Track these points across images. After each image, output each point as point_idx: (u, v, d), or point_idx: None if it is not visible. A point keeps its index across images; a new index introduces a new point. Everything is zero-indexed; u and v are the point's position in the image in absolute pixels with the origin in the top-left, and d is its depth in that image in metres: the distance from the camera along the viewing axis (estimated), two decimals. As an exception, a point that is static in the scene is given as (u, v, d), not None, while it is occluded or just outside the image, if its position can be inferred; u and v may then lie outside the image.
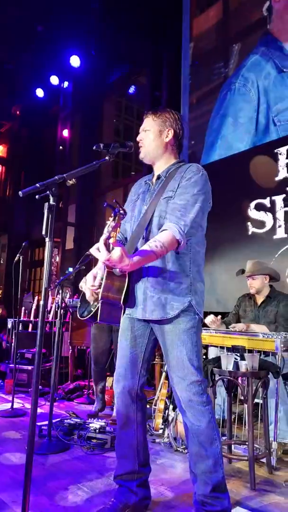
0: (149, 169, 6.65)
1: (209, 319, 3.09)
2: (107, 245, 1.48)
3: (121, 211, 1.41)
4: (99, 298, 1.70)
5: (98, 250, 1.51)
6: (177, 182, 1.72)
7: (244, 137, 4.73)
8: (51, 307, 5.25)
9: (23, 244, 3.63)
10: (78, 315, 3.60)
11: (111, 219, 1.45)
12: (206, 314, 4.84)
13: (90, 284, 1.83)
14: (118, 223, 1.42)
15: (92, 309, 3.54)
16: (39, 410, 3.53)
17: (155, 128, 1.80)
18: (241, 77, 4.81)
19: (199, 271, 1.76)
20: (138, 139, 1.84)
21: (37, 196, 1.46)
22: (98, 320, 1.78)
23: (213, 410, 1.68)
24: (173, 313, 1.66)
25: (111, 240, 1.44)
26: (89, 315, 3.53)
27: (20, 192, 1.42)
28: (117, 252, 1.47)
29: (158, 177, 1.82)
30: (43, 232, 1.43)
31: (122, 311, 1.76)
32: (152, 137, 1.80)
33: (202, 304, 1.76)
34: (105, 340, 3.40)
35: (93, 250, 1.56)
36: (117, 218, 1.42)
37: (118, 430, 1.80)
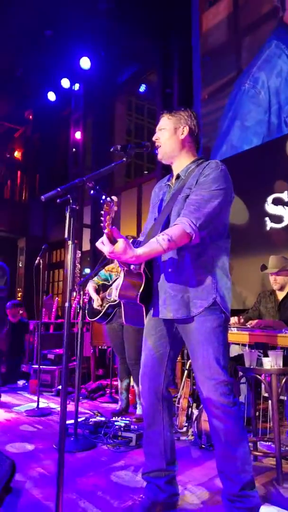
0: (162, 167, 6.70)
1: (232, 321, 3.08)
2: (110, 238, 1.48)
3: (108, 199, 1.39)
4: (117, 297, 1.71)
5: (102, 244, 1.51)
6: (196, 179, 1.70)
7: (253, 139, 4.70)
8: (72, 308, 5.31)
9: (43, 247, 3.69)
10: (87, 317, 3.67)
11: (103, 211, 1.45)
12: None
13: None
14: (107, 211, 1.41)
15: (101, 310, 3.59)
16: (63, 410, 3.59)
17: (170, 126, 1.80)
18: (251, 78, 4.76)
19: (224, 267, 1.73)
20: (154, 138, 1.83)
21: (58, 200, 1.49)
22: (124, 323, 1.79)
23: (240, 410, 1.65)
24: (197, 311, 1.65)
25: (105, 230, 1.44)
26: (99, 316, 3.59)
27: (42, 197, 1.45)
28: (120, 244, 1.47)
29: (178, 177, 1.82)
30: (66, 236, 1.46)
31: (145, 311, 1.73)
32: (168, 135, 1.80)
33: (229, 301, 1.73)
34: (120, 336, 3.44)
35: (98, 244, 1.54)
36: (105, 206, 1.40)
37: (145, 429, 1.81)
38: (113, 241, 1.49)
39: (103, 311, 3.44)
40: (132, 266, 1.63)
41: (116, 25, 6.18)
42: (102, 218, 1.44)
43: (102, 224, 1.45)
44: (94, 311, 3.54)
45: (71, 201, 1.48)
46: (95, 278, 3.64)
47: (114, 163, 1.65)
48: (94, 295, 3.51)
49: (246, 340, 2.71)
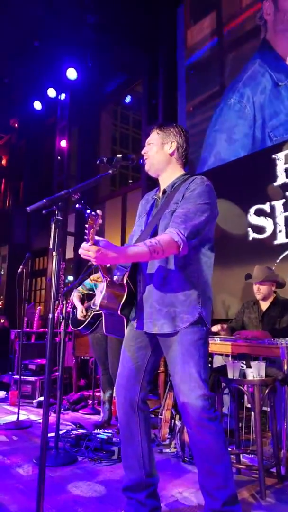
0: (147, 177, 6.72)
1: (215, 328, 3.10)
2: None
3: (93, 213, 1.38)
4: (98, 307, 1.73)
5: (86, 250, 1.47)
6: (182, 194, 1.73)
7: (241, 152, 4.80)
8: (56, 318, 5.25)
9: (26, 255, 3.65)
10: (71, 326, 3.63)
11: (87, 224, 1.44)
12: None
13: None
14: (91, 225, 1.40)
15: (85, 319, 3.55)
16: (44, 422, 3.51)
17: (158, 141, 1.84)
18: (237, 93, 4.87)
19: (207, 281, 1.75)
20: (143, 152, 1.87)
21: (44, 211, 1.48)
22: (105, 333, 1.79)
23: (220, 424, 1.64)
24: (183, 326, 1.65)
25: (89, 243, 1.43)
26: (83, 325, 3.56)
27: (27, 208, 1.44)
28: (104, 242, 1.47)
29: (164, 192, 1.84)
30: (50, 247, 1.45)
31: (125, 322, 1.74)
32: (156, 149, 1.84)
33: (211, 315, 1.75)
34: (104, 346, 3.41)
35: (81, 251, 1.49)
36: (90, 220, 1.39)
37: (122, 441, 1.79)
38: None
39: (87, 320, 3.41)
40: (115, 277, 1.64)
41: (103, 37, 6.24)
42: (86, 231, 1.42)
43: (86, 237, 1.44)
44: (78, 321, 3.50)
45: (56, 212, 1.47)
46: (80, 288, 3.61)
47: (99, 176, 1.66)
48: (78, 305, 3.49)
49: (229, 351, 2.72)
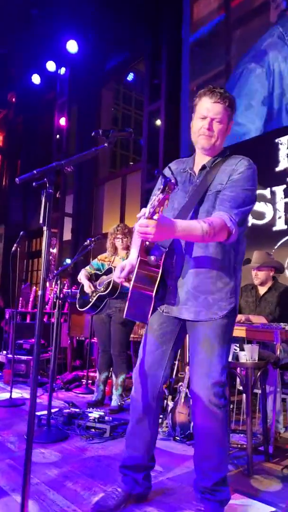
0: (149, 160, 6.59)
1: None
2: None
3: (173, 181, 1.21)
4: (130, 289, 1.56)
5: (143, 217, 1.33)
6: (227, 175, 1.62)
7: (256, 120, 4.60)
8: (49, 298, 5.24)
9: (20, 234, 3.60)
10: (77, 307, 3.60)
11: (158, 191, 1.25)
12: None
13: (117, 275, 1.67)
14: (167, 195, 1.22)
15: (91, 300, 3.53)
16: (38, 400, 3.53)
17: (226, 120, 1.66)
18: (258, 58, 4.64)
19: (241, 270, 1.70)
20: (207, 127, 1.64)
21: (34, 183, 1.43)
22: (124, 316, 1.62)
23: (227, 412, 1.65)
24: (221, 314, 1.60)
25: (155, 217, 1.27)
26: (88, 306, 3.52)
27: (16, 179, 1.38)
28: (163, 218, 1.32)
29: (203, 167, 1.70)
30: (41, 221, 1.40)
31: (152, 306, 1.58)
32: (224, 130, 1.66)
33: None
34: (108, 328, 3.41)
35: (136, 227, 1.36)
36: (166, 189, 1.20)
37: (133, 423, 1.75)
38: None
39: (92, 301, 3.39)
40: (152, 257, 1.52)
41: (106, 9, 6.03)
42: (157, 202, 1.23)
43: (153, 209, 1.26)
44: (83, 302, 3.48)
45: (47, 184, 1.42)
46: (88, 267, 3.58)
47: (94, 148, 1.59)
48: (85, 281, 3.44)
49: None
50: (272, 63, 4.50)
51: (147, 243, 1.53)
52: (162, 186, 1.20)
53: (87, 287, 3.40)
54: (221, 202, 1.57)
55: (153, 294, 1.54)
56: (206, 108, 1.63)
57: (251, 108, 4.66)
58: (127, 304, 1.61)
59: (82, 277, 3.50)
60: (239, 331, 2.62)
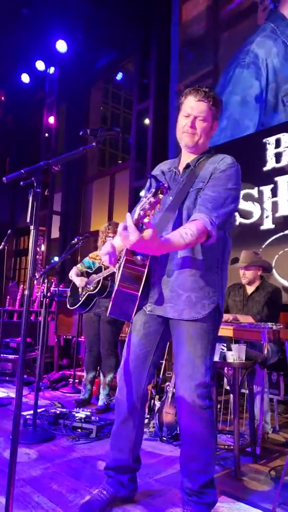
0: (137, 158, 6.58)
1: None
2: (138, 225, 1.29)
3: (165, 185, 1.19)
4: (115, 289, 1.56)
5: (125, 231, 1.30)
6: (209, 172, 1.61)
7: (253, 116, 4.59)
8: (36, 296, 5.19)
9: (8, 233, 3.56)
10: (68, 305, 3.57)
11: (149, 194, 1.22)
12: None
13: (107, 260, 1.65)
14: (159, 199, 1.21)
15: (81, 298, 3.50)
16: (24, 400, 3.50)
17: (210, 119, 1.66)
18: (251, 53, 4.64)
19: (226, 268, 1.69)
20: (190, 124, 1.64)
21: (21, 183, 1.41)
22: (108, 314, 1.64)
23: (213, 413, 1.63)
24: (205, 313, 1.58)
25: (146, 220, 1.24)
26: (78, 305, 3.50)
27: (4, 178, 1.37)
28: (149, 232, 1.28)
29: (187, 166, 1.70)
30: (28, 220, 1.39)
31: (137, 305, 1.59)
32: (207, 129, 1.66)
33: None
34: (96, 327, 3.39)
35: (120, 229, 1.33)
36: (159, 193, 1.19)
37: (118, 423, 1.74)
38: (140, 230, 1.30)
39: (82, 300, 3.37)
40: (139, 257, 1.51)
41: (95, 9, 6.01)
42: (149, 205, 1.21)
43: (143, 212, 1.24)
44: (74, 300, 3.46)
45: (35, 184, 1.40)
46: (79, 265, 3.57)
47: (82, 147, 1.58)
48: (76, 278, 3.42)
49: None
50: (265, 58, 4.50)
51: None
52: (154, 190, 1.19)
53: (79, 282, 3.38)
54: (202, 202, 1.56)
55: (139, 293, 1.55)
56: (190, 106, 1.64)
57: (247, 104, 4.65)
58: (111, 302, 1.61)
59: (73, 275, 3.48)
60: (226, 331, 2.63)
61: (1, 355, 3.94)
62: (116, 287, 1.56)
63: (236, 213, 4.47)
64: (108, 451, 1.84)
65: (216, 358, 2.31)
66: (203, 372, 1.57)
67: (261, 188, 4.31)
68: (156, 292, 1.64)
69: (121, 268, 1.55)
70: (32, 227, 1.40)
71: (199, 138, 1.66)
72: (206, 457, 1.60)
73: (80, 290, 3.40)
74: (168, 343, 1.80)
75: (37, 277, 4.59)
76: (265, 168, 4.30)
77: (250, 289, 3.15)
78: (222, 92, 4.88)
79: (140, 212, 1.26)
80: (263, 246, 4.19)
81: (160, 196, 1.22)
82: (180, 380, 1.59)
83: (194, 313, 1.58)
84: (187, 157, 1.74)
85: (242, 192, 4.46)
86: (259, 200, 4.32)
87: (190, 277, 1.59)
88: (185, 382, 1.57)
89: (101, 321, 3.33)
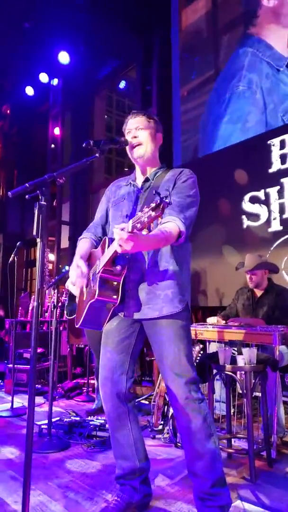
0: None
1: (211, 321, 3.10)
2: (133, 231, 1.30)
3: (167, 200, 1.23)
4: (95, 298, 1.62)
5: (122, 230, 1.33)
6: (172, 182, 1.73)
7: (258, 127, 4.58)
8: (48, 306, 5.24)
9: (17, 244, 3.61)
10: (66, 315, 3.59)
11: (146, 208, 1.25)
12: (203, 308, 4.86)
13: (78, 273, 1.73)
14: (160, 214, 1.24)
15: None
16: (39, 409, 3.53)
17: (151, 130, 1.81)
18: (244, 79, 4.70)
19: (188, 268, 1.79)
20: (132, 136, 1.79)
21: (27, 196, 1.44)
22: (77, 325, 1.73)
23: (207, 406, 1.68)
24: (181, 307, 1.67)
25: (144, 232, 1.28)
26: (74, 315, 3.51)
27: (9, 193, 1.40)
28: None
29: (147, 179, 1.83)
30: (34, 233, 1.42)
31: (110, 314, 1.72)
32: (150, 138, 1.80)
33: None
34: (99, 334, 3.39)
35: (117, 230, 1.35)
36: (161, 208, 1.22)
37: (112, 433, 1.78)
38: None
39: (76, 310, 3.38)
40: (118, 267, 1.59)
41: (95, 20, 6.11)
42: (148, 218, 1.23)
43: (141, 225, 1.25)
44: (72, 309, 3.47)
45: (40, 197, 1.43)
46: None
47: (85, 159, 1.61)
48: (72, 287, 3.43)
49: (222, 338, 2.72)
50: (257, 82, 4.56)
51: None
52: (154, 205, 1.22)
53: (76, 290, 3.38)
54: (171, 207, 1.64)
55: (117, 301, 1.63)
56: (130, 123, 1.82)
57: (249, 130, 4.66)
58: (84, 315, 1.68)
59: (69, 284, 3.49)
60: (237, 335, 2.62)
61: (15, 366, 3.97)
62: (93, 299, 1.61)
63: (244, 217, 4.48)
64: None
65: (227, 362, 2.30)
66: (190, 368, 1.65)
67: (268, 190, 4.30)
68: (132, 297, 1.70)
69: (98, 279, 1.60)
70: (38, 240, 1.43)
71: (146, 146, 1.79)
72: (210, 451, 1.62)
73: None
74: (143, 345, 1.84)
75: (45, 288, 4.63)
76: (270, 170, 4.29)
77: (258, 293, 3.14)
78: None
79: (136, 224, 1.27)
80: (272, 248, 4.17)
81: (162, 211, 1.24)
82: (170, 381, 1.65)
83: (172, 308, 1.66)
84: (142, 170, 1.86)
85: (249, 195, 4.46)
86: (266, 202, 4.31)
87: (164, 277, 1.68)
88: (176, 382, 1.63)
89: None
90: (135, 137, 1.79)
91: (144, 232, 1.30)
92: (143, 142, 1.79)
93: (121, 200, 1.86)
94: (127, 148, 1.83)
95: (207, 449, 1.61)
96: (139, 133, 1.79)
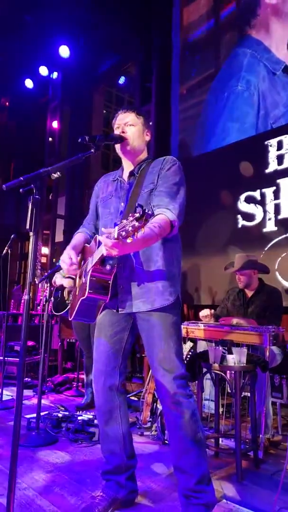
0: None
1: (204, 313, 3.10)
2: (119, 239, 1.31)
3: (149, 212, 1.24)
4: (85, 295, 1.62)
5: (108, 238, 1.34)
6: (156, 174, 1.74)
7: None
8: (40, 300, 5.22)
9: (11, 237, 3.60)
10: (53, 310, 3.58)
11: (131, 218, 1.24)
12: (197, 307, 4.87)
13: (68, 262, 1.72)
14: (143, 225, 1.24)
15: (67, 302, 3.51)
16: (28, 403, 3.53)
17: (139, 126, 1.82)
18: (243, 80, 4.69)
19: (179, 259, 1.79)
20: (120, 131, 1.80)
21: (21, 190, 1.44)
22: (71, 319, 1.75)
23: (195, 403, 1.70)
24: (172, 299, 1.68)
25: (128, 240, 1.27)
26: (65, 310, 3.52)
27: (3, 186, 1.39)
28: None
29: (132, 174, 1.83)
30: (27, 226, 1.41)
31: (102, 307, 1.74)
32: (138, 133, 1.82)
33: None
34: (87, 330, 3.40)
35: (102, 238, 1.37)
36: (144, 218, 1.22)
37: (101, 427, 1.79)
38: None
39: (69, 305, 3.37)
40: (108, 267, 1.60)
41: (97, 15, 6.06)
42: (132, 228, 1.24)
43: (126, 233, 1.25)
44: (61, 306, 3.47)
45: (34, 191, 1.43)
46: (61, 271, 3.56)
47: (81, 154, 1.61)
48: (64, 280, 3.41)
49: (213, 337, 2.73)
50: (255, 84, 4.55)
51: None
52: (138, 215, 1.23)
53: (66, 284, 3.36)
54: (158, 199, 1.67)
55: (108, 299, 1.65)
56: (119, 119, 1.83)
57: (247, 130, 4.65)
58: (76, 309, 1.70)
59: (58, 280, 3.47)
60: (228, 334, 2.63)
61: (6, 358, 3.96)
62: (84, 297, 1.62)
63: (239, 216, 4.49)
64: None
65: (218, 361, 2.31)
66: (179, 364, 1.66)
67: (263, 190, 4.31)
68: (124, 292, 1.71)
69: (89, 277, 1.61)
70: (31, 233, 1.42)
71: (133, 141, 1.79)
72: (196, 448, 1.63)
73: (65, 294, 3.39)
74: (136, 339, 1.86)
75: (37, 282, 4.61)
76: (267, 170, 4.30)
77: (249, 292, 3.15)
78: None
79: (122, 232, 1.27)
80: (266, 249, 4.18)
81: (145, 221, 1.24)
82: (159, 377, 1.66)
83: (164, 300, 1.67)
84: (128, 166, 1.86)
85: (244, 195, 4.47)
86: (262, 202, 4.32)
87: (156, 271, 1.69)
88: (165, 377, 1.64)
89: (92, 325, 3.32)
90: (123, 132, 1.81)
91: (129, 240, 1.28)
92: (130, 138, 1.80)
93: (109, 197, 1.86)
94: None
95: (192, 445, 1.62)
96: (127, 128, 1.81)
